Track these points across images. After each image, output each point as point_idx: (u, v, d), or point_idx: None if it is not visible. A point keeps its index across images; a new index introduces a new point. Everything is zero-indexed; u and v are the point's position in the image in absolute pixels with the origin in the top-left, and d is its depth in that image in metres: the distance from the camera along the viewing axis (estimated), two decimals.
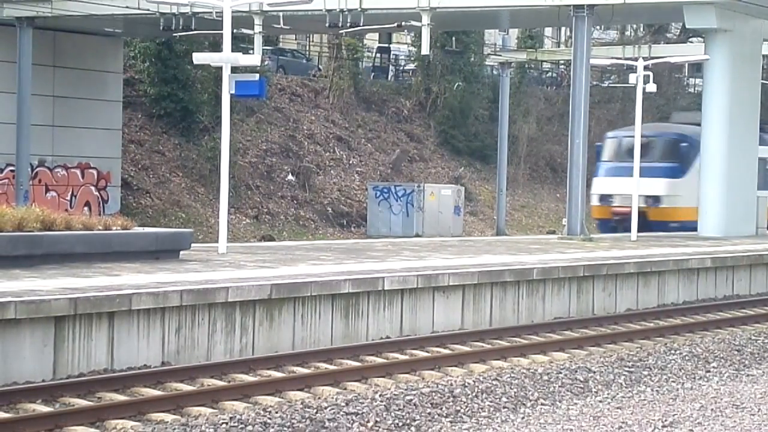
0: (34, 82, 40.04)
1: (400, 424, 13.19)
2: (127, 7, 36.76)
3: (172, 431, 12.61)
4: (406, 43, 63.45)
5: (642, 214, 35.90)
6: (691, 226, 37.11)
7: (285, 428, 12.72)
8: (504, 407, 14.27)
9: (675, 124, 44.06)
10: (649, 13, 39.79)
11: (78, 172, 44.31)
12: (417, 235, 46.59)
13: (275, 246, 26.99)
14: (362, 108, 58.91)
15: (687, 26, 37.83)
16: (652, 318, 24.01)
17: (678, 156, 40.08)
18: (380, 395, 14.15)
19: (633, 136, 34.76)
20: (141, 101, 49.20)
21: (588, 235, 32.89)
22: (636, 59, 35.64)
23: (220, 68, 24.31)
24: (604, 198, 40.14)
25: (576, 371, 16.38)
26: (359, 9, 34.92)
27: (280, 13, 35.03)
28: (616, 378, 16.27)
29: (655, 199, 39.33)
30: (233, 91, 24.33)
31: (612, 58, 43.46)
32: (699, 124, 37.40)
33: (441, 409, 13.88)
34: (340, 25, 35.44)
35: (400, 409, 13.61)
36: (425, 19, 34.66)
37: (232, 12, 24.38)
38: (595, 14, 33.21)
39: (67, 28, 41.71)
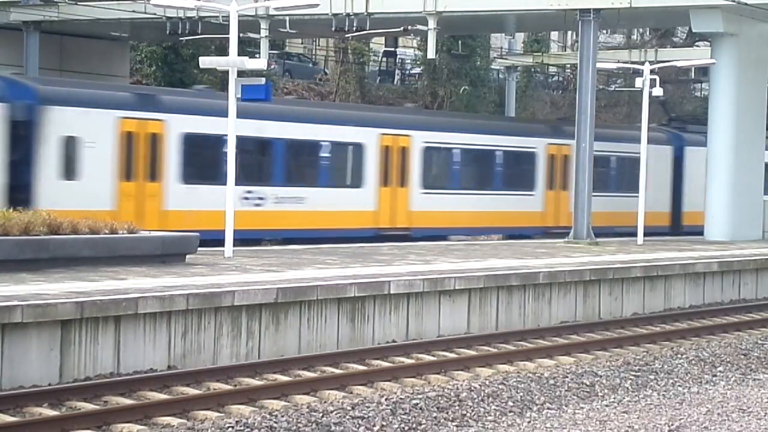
0: None
1: (406, 428, 13.18)
2: (133, 11, 36.83)
3: None
4: (412, 47, 63.34)
5: None
6: None
7: None
8: (510, 411, 14.26)
9: None
10: (656, 18, 39.75)
11: None
12: None
13: (281, 250, 26.98)
14: None
15: (693, 30, 37.87)
16: (659, 322, 24.00)
17: None
18: (386, 399, 14.15)
19: None
20: None
21: (594, 239, 32.86)
22: (642, 63, 35.67)
23: (227, 72, 24.32)
24: None
25: (582, 375, 16.36)
26: (365, 13, 34.94)
27: (287, 18, 35.04)
28: (623, 382, 16.25)
29: None
30: (239, 95, 24.36)
31: (618, 62, 43.44)
32: None
33: (447, 413, 13.87)
34: (346, 29, 35.46)
35: (406, 413, 13.61)
36: (431, 23, 34.70)
37: (239, 16, 24.40)
38: (601, 18, 33.22)
39: (73, 32, 41.72)
